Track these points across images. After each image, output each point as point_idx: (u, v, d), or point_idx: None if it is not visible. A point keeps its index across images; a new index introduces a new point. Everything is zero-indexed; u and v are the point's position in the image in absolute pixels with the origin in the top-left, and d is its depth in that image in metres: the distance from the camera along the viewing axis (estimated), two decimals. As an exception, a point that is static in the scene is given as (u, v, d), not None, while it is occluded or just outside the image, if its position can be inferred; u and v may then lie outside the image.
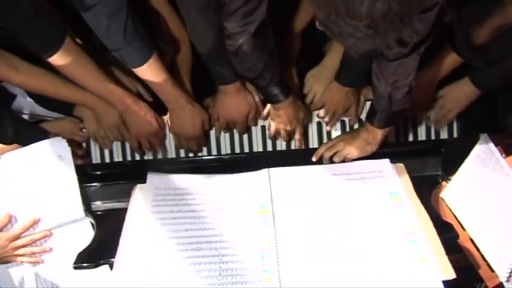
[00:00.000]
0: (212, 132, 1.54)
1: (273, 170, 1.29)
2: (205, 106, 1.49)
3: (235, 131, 1.53)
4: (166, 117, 1.48)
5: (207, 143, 1.53)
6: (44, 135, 1.39)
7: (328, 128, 1.52)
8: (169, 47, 1.45)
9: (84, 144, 1.54)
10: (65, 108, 1.51)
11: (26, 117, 1.59)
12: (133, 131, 1.46)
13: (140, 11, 1.35)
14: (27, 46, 1.28)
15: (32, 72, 1.36)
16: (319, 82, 1.51)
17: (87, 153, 1.54)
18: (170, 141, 1.53)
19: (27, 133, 1.39)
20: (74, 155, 1.32)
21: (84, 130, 1.52)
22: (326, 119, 1.51)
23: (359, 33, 0.83)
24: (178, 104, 1.41)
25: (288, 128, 1.46)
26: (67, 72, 1.32)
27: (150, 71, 1.32)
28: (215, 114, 1.48)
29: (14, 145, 1.28)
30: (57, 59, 1.28)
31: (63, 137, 1.34)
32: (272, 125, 1.47)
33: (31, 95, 1.55)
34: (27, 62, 1.35)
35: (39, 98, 1.53)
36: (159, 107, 1.46)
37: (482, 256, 1.17)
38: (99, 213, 1.28)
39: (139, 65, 1.30)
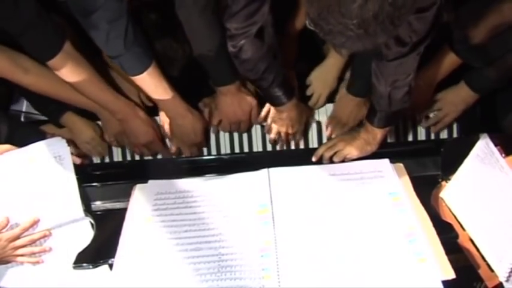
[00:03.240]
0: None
1: (272, 170, 1.29)
2: (202, 107, 1.49)
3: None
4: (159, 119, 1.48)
5: (207, 144, 1.54)
6: (40, 136, 1.39)
7: (328, 133, 1.52)
8: (180, 54, 1.44)
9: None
10: (53, 116, 1.51)
11: (26, 115, 1.59)
12: (131, 139, 1.47)
13: (155, 9, 1.35)
14: (26, 49, 1.28)
15: (41, 74, 1.36)
16: (323, 84, 1.51)
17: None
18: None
19: (22, 134, 1.38)
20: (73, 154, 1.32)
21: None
22: (328, 131, 1.52)
23: (349, 32, 0.83)
24: (178, 113, 1.41)
25: (290, 131, 1.46)
26: (65, 77, 1.32)
27: (150, 79, 1.32)
28: (217, 117, 1.48)
29: (8, 145, 1.28)
30: (55, 64, 1.28)
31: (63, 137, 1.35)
32: (274, 128, 1.47)
33: (25, 95, 1.54)
34: (37, 63, 1.35)
35: (33, 100, 1.53)
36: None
37: (482, 256, 1.17)
38: (98, 213, 1.28)
39: (139, 73, 1.30)
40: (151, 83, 1.33)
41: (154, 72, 1.31)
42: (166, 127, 1.47)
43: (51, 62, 1.28)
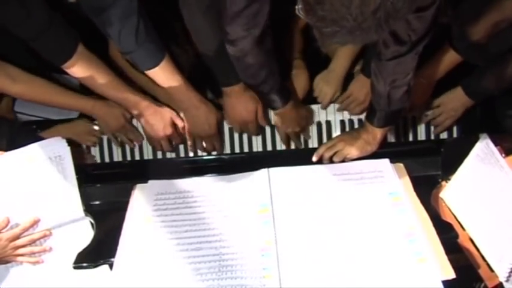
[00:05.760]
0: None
1: (272, 169, 1.29)
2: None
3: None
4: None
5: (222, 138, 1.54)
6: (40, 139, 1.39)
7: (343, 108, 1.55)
8: (187, 49, 1.44)
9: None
10: None
11: (28, 117, 1.59)
12: (147, 134, 1.48)
13: (158, 15, 1.35)
14: (41, 54, 1.29)
15: (29, 81, 1.37)
16: (328, 86, 1.53)
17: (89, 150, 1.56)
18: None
19: (23, 141, 1.38)
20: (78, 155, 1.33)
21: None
22: (343, 109, 1.55)
23: (344, 22, 0.81)
24: (193, 104, 1.42)
25: (297, 129, 1.47)
26: (81, 78, 1.34)
27: (162, 73, 1.33)
28: (227, 120, 1.48)
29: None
30: (71, 66, 1.30)
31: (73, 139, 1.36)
32: (281, 133, 1.48)
33: None
34: (23, 71, 1.36)
35: None
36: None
37: (482, 256, 1.17)
38: (99, 213, 1.28)
39: (151, 67, 1.32)
40: (164, 76, 1.35)
41: (167, 65, 1.33)
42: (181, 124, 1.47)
43: (67, 64, 1.29)
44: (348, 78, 1.54)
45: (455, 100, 1.49)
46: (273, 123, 1.52)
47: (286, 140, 1.52)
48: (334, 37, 0.85)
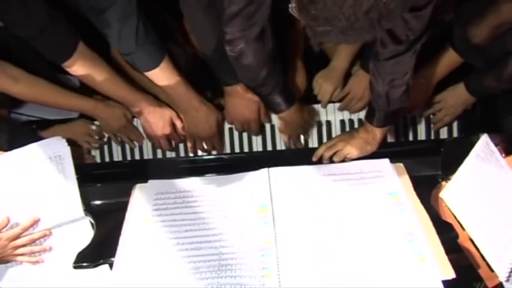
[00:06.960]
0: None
1: (272, 169, 1.29)
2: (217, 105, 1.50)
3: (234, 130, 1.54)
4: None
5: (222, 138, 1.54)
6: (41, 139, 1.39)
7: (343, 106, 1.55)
8: (185, 50, 1.44)
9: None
10: None
11: (26, 118, 1.59)
12: (146, 132, 1.49)
13: (156, 15, 1.36)
14: (41, 53, 1.29)
15: (31, 82, 1.37)
16: (329, 82, 1.53)
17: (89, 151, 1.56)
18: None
19: (23, 140, 1.38)
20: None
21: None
22: (343, 106, 1.55)
23: (336, 21, 0.81)
24: (192, 105, 1.42)
25: (300, 131, 1.48)
26: (82, 76, 1.35)
27: (162, 74, 1.34)
28: (228, 119, 1.48)
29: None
30: (71, 64, 1.30)
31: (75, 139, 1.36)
32: (284, 138, 1.49)
33: None
34: (25, 72, 1.36)
35: None
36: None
37: (482, 256, 1.17)
38: (98, 212, 1.28)
39: (152, 69, 1.32)
40: (164, 77, 1.35)
41: (166, 66, 1.33)
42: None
43: (67, 63, 1.29)
44: (348, 77, 1.55)
45: (456, 97, 1.49)
46: (274, 123, 1.52)
47: (289, 145, 1.52)
48: (326, 36, 0.85)
